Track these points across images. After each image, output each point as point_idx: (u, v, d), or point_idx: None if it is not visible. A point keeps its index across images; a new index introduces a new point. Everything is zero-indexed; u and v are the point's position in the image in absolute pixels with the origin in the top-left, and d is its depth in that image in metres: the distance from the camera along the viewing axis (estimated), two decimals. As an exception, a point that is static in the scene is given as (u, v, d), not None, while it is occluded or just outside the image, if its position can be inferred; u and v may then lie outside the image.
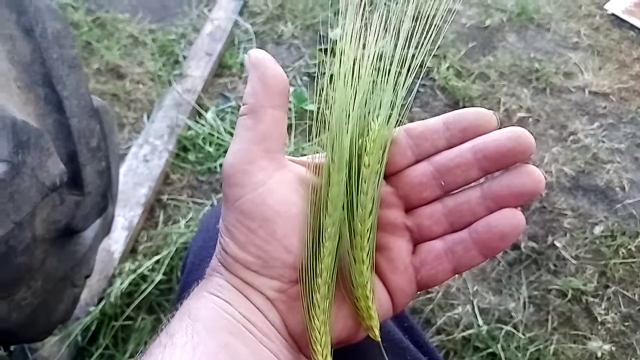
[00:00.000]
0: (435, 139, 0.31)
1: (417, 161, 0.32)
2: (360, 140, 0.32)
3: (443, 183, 0.31)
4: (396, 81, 0.31)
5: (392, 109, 0.32)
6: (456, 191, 0.32)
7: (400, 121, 0.32)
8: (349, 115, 0.31)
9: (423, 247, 0.32)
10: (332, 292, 0.30)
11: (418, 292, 0.33)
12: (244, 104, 0.30)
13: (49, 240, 0.47)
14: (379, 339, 0.31)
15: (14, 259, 0.42)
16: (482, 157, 0.30)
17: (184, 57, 1.38)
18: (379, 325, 0.31)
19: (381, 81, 0.32)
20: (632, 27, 1.54)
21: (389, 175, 0.33)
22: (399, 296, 0.32)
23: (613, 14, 1.57)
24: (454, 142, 0.31)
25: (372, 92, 0.32)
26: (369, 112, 0.32)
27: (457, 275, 1.04)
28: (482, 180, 0.31)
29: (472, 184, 0.31)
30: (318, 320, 0.29)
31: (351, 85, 0.31)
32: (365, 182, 0.31)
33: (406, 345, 0.43)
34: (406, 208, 0.32)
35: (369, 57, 0.31)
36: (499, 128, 0.30)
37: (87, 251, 0.58)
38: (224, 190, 0.30)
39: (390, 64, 0.31)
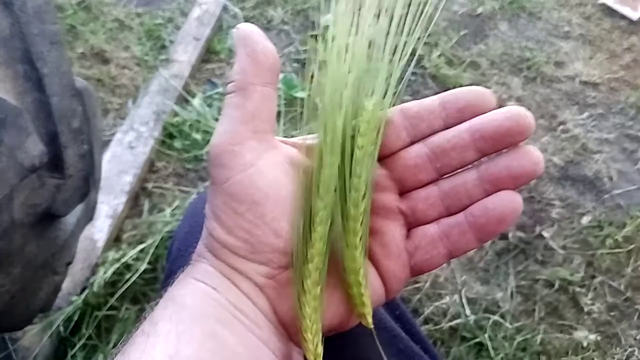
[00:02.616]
0: (431, 120, 0.30)
1: (412, 142, 0.31)
2: (353, 122, 0.30)
3: (439, 165, 0.30)
4: (388, 66, 0.30)
5: (385, 93, 0.31)
6: (452, 173, 0.31)
7: (394, 104, 0.31)
8: (341, 95, 0.30)
9: (417, 231, 0.31)
10: (323, 278, 0.29)
11: (410, 279, 0.32)
12: (231, 81, 0.29)
13: (28, 225, 0.45)
14: (372, 327, 0.30)
15: (-10, 243, 0.40)
16: (479, 138, 0.29)
17: (171, 42, 1.36)
18: (371, 312, 0.30)
19: (373, 67, 0.31)
20: (623, 16, 1.54)
21: (383, 158, 0.31)
22: (392, 282, 0.31)
23: (604, 4, 1.57)
24: (451, 122, 0.30)
25: (364, 76, 0.31)
26: (361, 94, 0.31)
27: (445, 264, 1.04)
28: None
29: (469, 166, 0.30)
30: (309, 307, 0.28)
31: (343, 69, 0.30)
32: (358, 165, 0.30)
33: (398, 333, 0.42)
34: (400, 191, 0.31)
35: (360, 43, 0.30)
36: (497, 108, 0.29)
37: (68, 237, 0.56)
38: (210, 172, 0.29)
39: (382, 51, 0.30)
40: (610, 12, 1.56)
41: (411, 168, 0.31)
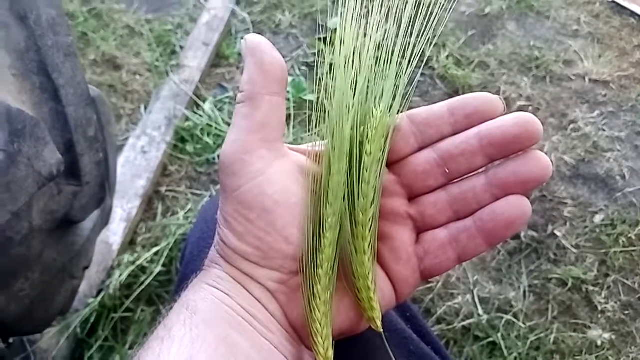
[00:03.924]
0: (440, 125, 0.31)
1: (421, 148, 0.31)
2: (361, 128, 0.31)
3: (447, 171, 0.30)
4: (397, 70, 0.31)
5: (393, 98, 0.31)
6: (461, 179, 0.31)
7: (402, 109, 0.32)
8: (349, 102, 0.30)
9: (426, 236, 0.31)
10: (333, 283, 0.30)
11: (420, 283, 0.32)
12: (240, 92, 0.30)
13: (47, 231, 0.46)
14: (381, 330, 0.30)
15: (11, 250, 0.41)
16: (487, 144, 0.29)
17: (181, 48, 1.37)
18: (381, 317, 0.30)
19: (382, 69, 0.31)
20: (633, 14, 1.52)
21: (392, 163, 0.32)
22: (402, 286, 0.31)
23: (613, 1, 1.56)
24: (459, 128, 0.30)
25: (373, 80, 0.31)
26: (370, 99, 0.31)
27: (457, 264, 1.03)
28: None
29: (478, 171, 0.30)
30: (319, 311, 0.29)
31: (351, 73, 0.30)
32: (367, 171, 0.30)
33: (409, 335, 0.42)
34: (409, 196, 0.32)
35: (368, 45, 0.30)
36: (505, 114, 0.30)
37: (85, 242, 0.58)
38: (221, 181, 0.30)
39: (391, 53, 0.30)
40: (619, 9, 1.55)
41: (420, 174, 0.31)
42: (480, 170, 0.30)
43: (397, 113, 0.31)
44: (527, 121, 0.28)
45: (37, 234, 0.45)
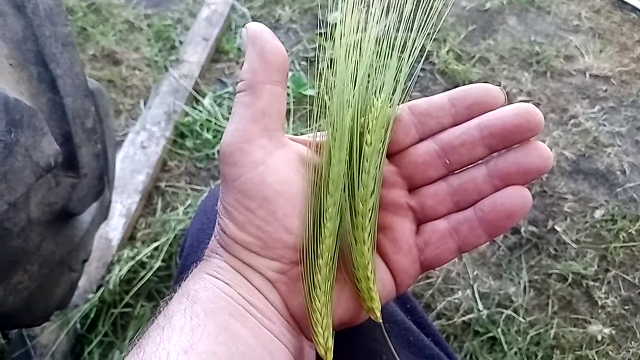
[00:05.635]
0: (441, 116, 0.31)
1: (422, 139, 0.31)
2: (362, 118, 0.31)
3: (448, 161, 0.30)
4: (397, 64, 0.31)
5: (393, 90, 0.31)
6: (461, 169, 0.31)
7: (402, 101, 0.32)
8: (350, 92, 0.30)
9: (427, 227, 0.31)
10: (333, 273, 0.30)
11: (420, 274, 0.32)
12: (241, 80, 0.29)
13: (45, 223, 0.46)
14: (380, 321, 0.30)
15: (9, 241, 0.41)
16: (488, 135, 0.29)
17: (181, 43, 1.37)
18: (380, 307, 0.30)
19: (382, 64, 0.31)
20: (634, 9, 1.52)
21: (393, 154, 0.32)
22: (402, 277, 0.31)
23: (614, -4, 1.55)
24: (460, 119, 0.30)
25: (373, 73, 0.31)
26: (370, 91, 0.31)
27: (457, 259, 1.03)
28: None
29: (478, 162, 0.30)
30: (319, 301, 0.29)
31: (352, 65, 0.30)
32: (367, 161, 0.30)
33: (408, 326, 0.42)
34: (410, 187, 0.32)
35: (368, 40, 0.30)
36: (506, 104, 0.30)
37: (84, 235, 0.57)
38: (221, 170, 0.29)
39: (391, 48, 0.30)
40: (620, 4, 1.54)
41: (420, 164, 0.31)
42: (481, 161, 0.30)
43: (398, 104, 0.31)
44: (528, 112, 0.28)
45: (35, 226, 0.44)
